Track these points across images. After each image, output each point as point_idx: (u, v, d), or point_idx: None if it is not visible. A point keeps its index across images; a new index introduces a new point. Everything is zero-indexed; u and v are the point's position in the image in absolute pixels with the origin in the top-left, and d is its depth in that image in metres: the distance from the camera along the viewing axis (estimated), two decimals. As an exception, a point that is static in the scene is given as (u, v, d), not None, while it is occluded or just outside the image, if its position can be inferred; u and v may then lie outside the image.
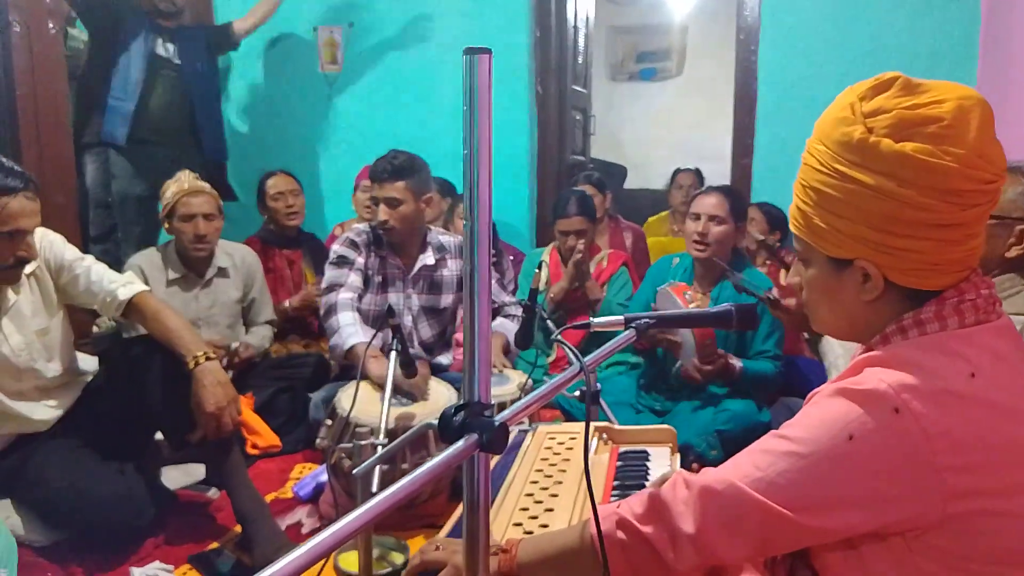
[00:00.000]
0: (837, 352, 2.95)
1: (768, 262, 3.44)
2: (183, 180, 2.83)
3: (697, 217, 2.65)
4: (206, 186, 2.86)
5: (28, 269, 2.00)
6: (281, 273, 3.56)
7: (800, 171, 0.99)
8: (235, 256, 3.03)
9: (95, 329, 3.64)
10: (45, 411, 2.07)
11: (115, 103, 3.57)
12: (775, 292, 2.48)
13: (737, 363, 2.58)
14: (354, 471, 1.25)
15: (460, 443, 0.73)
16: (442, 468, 0.71)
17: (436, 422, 0.76)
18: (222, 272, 2.96)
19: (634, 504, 1.01)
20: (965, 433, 0.84)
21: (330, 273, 2.70)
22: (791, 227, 1.03)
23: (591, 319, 1.25)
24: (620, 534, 1.00)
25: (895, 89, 0.92)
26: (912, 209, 0.88)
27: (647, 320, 1.23)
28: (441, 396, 2.31)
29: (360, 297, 2.71)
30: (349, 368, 2.88)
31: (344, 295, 2.62)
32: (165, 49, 3.74)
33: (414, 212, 2.69)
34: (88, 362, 2.33)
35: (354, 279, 2.68)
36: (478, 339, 0.76)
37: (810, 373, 2.97)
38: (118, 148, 3.61)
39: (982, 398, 0.86)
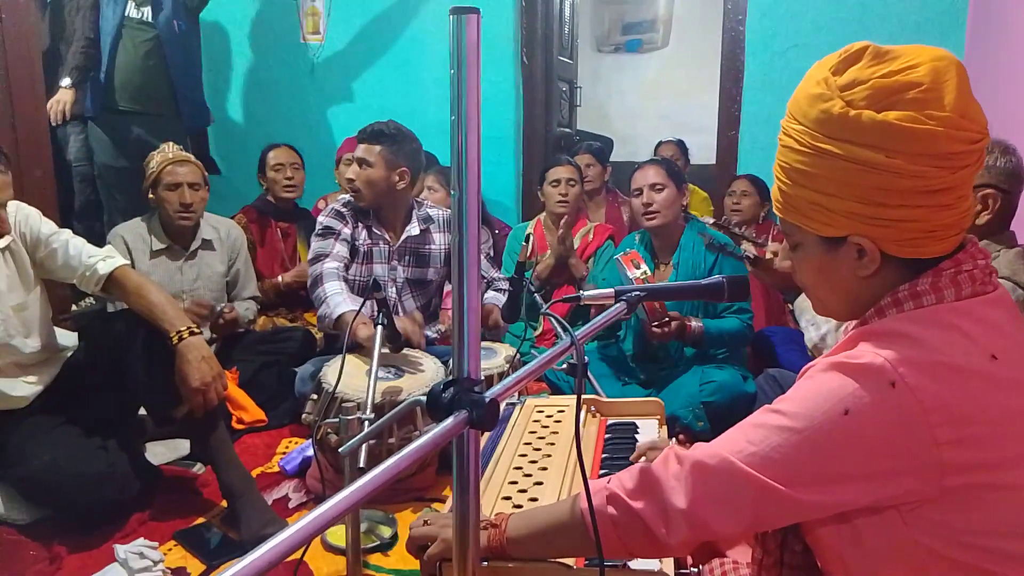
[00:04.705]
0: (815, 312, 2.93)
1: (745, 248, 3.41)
2: (167, 150, 2.84)
3: (640, 192, 2.72)
4: (191, 156, 2.85)
5: (2, 243, 1.96)
6: (275, 245, 3.55)
7: (779, 152, 0.96)
8: (220, 229, 3.01)
9: (73, 308, 3.58)
10: (24, 387, 2.04)
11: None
12: (753, 249, 2.44)
13: (696, 323, 2.57)
14: (339, 449, 1.23)
15: (449, 420, 0.70)
16: (432, 446, 0.69)
17: (424, 398, 0.74)
18: (207, 244, 2.94)
19: (625, 479, 1.00)
20: (962, 406, 0.83)
21: (316, 244, 2.68)
22: (775, 211, 1.00)
23: (580, 292, 1.23)
24: (611, 509, 0.98)
25: (867, 59, 0.89)
26: (902, 178, 0.86)
27: (638, 293, 1.21)
28: (428, 370, 2.29)
29: (346, 267, 2.69)
30: (334, 341, 2.85)
31: (330, 265, 2.61)
32: (139, 11, 3.57)
33: (382, 179, 2.64)
34: (68, 338, 2.29)
35: (340, 249, 2.66)
36: (467, 313, 0.73)
37: (794, 343, 2.95)
38: (96, 119, 3.54)
39: (979, 370, 0.85)
